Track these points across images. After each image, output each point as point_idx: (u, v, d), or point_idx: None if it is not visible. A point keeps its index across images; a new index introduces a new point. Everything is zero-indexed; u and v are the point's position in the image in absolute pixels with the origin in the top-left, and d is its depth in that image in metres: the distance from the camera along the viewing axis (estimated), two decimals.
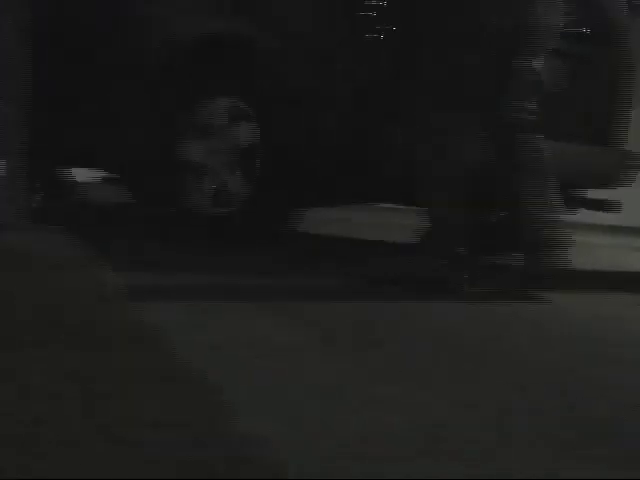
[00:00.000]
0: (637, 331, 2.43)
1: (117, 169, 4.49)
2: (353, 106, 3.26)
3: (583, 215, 4.26)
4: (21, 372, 1.14)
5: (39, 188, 3.67)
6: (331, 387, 1.40)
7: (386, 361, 1.68)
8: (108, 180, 8.28)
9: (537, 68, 2.92)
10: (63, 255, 2.27)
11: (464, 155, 2.88)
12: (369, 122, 3.20)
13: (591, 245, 5.53)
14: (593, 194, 4.06)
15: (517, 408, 1.40)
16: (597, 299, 2.91)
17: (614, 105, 3.85)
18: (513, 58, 2.84)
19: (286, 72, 3.35)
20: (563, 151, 3.43)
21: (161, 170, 3.65)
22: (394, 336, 1.97)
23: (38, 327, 1.42)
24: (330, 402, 1.30)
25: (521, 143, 2.86)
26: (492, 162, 2.90)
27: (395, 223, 5.93)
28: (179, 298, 2.13)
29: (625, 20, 3.71)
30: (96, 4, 3.82)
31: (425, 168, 2.87)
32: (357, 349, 1.78)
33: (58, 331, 1.40)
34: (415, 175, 2.99)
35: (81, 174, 5.15)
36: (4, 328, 1.26)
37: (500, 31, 2.78)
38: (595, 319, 2.50)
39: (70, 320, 1.51)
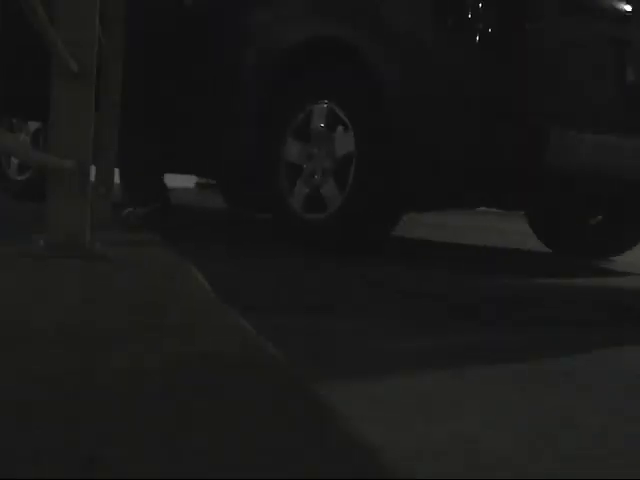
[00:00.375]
0: None
1: (212, 173, 4.58)
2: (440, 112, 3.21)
3: None
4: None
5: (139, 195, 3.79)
6: None
7: None
8: (202, 185, 8.39)
9: None
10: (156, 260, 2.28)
11: None
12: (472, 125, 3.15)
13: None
14: None
15: None
16: None
17: None
18: None
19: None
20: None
21: (259, 173, 3.71)
22: None
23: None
24: None
25: None
26: None
27: (491, 226, 5.93)
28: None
29: None
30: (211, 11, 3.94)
31: None
32: None
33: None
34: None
35: (175, 179, 5.26)
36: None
37: None
38: None
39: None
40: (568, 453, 1.15)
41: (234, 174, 4.09)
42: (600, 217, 4.07)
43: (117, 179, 3.66)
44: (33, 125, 4.72)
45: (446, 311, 2.30)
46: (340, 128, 3.45)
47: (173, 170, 4.45)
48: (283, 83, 3.61)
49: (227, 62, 3.82)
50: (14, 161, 4.77)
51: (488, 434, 1.18)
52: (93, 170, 2.38)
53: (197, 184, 8.29)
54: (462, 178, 3.25)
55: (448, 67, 3.20)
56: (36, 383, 0.88)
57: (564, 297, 2.80)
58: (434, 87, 3.23)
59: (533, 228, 4.29)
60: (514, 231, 5.31)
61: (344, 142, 3.43)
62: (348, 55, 3.40)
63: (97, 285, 1.71)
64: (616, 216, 4.05)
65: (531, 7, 3.16)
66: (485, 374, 1.56)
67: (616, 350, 1.96)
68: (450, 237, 4.91)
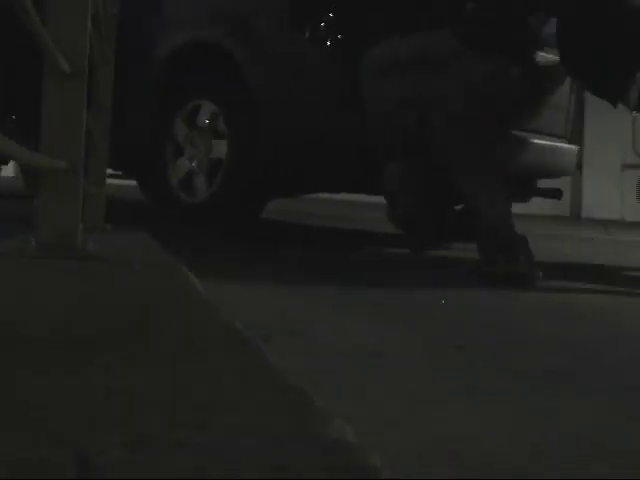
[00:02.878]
0: None
1: (125, 167, 5.10)
2: (307, 107, 3.71)
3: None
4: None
5: None
6: None
7: None
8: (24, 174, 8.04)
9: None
10: None
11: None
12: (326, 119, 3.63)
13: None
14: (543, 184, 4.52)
15: None
16: None
17: (571, 103, 4.43)
18: None
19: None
20: (528, 144, 3.97)
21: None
22: None
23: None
24: None
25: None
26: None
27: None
28: None
29: None
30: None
31: None
32: None
33: None
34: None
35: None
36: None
37: None
38: None
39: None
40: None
41: (142, 167, 4.67)
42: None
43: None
44: None
45: None
46: (220, 128, 3.99)
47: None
48: (177, 79, 4.15)
49: (134, 61, 4.22)
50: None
51: None
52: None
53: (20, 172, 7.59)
54: (320, 168, 3.79)
55: (304, 72, 3.75)
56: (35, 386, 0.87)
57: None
58: (294, 90, 3.75)
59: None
60: None
61: (219, 145, 3.97)
62: (225, 59, 3.86)
63: (89, 285, 1.70)
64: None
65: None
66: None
67: None
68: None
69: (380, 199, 3.75)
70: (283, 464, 0.67)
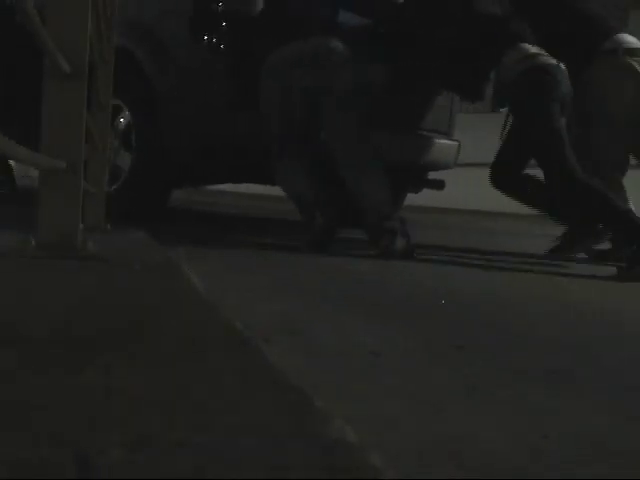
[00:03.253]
0: None
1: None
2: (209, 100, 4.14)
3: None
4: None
5: None
6: None
7: None
8: None
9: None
10: None
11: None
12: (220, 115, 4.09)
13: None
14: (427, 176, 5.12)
15: None
16: None
17: (453, 102, 4.95)
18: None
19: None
20: (414, 141, 4.59)
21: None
22: None
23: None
24: None
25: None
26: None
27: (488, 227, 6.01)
28: None
29: None
30: None
31: None
32: None
33: None
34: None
35: None
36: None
37: None
38: None
39: None
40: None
41: None
42: None
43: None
44: None
45: None
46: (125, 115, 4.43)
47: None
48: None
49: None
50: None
51: None
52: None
53: None
54: (219, 161, 4.22)
55: (203, 79, 4.20)
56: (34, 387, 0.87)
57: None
58: (192, 95, 4.23)
59: None
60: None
61: (125, 156, 4.42)
62: (136, 66, 4.28)
63: (89, 285, 1.70)
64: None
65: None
66: None
67: None
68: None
69: None
70: (283, 464, 0.67)
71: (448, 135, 5.00)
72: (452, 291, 2.74)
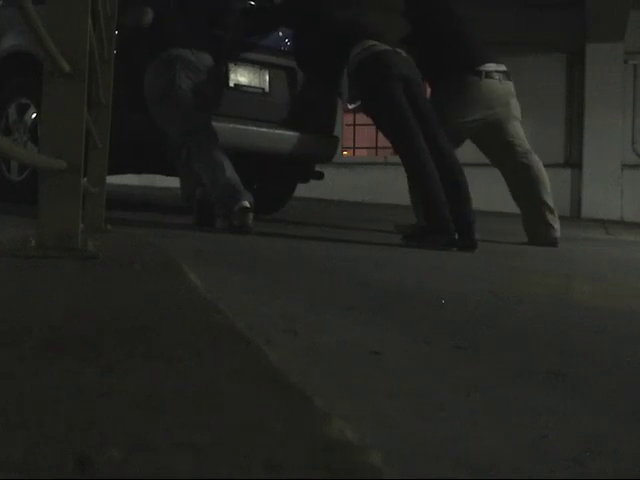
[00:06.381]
0: None
1: None
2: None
3: None
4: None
5: None
6: None
7: None
8: None
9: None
10: None
11: None
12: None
13: None
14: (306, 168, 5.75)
15: None
16: None
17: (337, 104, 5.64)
18: None
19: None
20: (299, 138, 5.23)
21: None
22: None
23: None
24: None
25: None
26: None
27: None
28: None
29: None
30: None
31: None
32: None
33: None
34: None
35: None
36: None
37: None
38: None
39: None
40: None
41: None
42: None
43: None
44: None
45: None
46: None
47: None
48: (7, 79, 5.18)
49: None
50: None
51: None
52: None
53: None
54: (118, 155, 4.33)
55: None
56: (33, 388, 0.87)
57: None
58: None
59: None
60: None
61: (32, 148, 4.75)
62: (38, 66, 4.47)
63: (89, 285, 1.70)
64: (265, 184, 5.82)
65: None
66: None
67: None
68: None
69: None
70: (283, 464, 0.67)
71: (330, 131, 5.66)
72: (453, 291, 2.74)
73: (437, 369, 1.60)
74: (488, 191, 9.30)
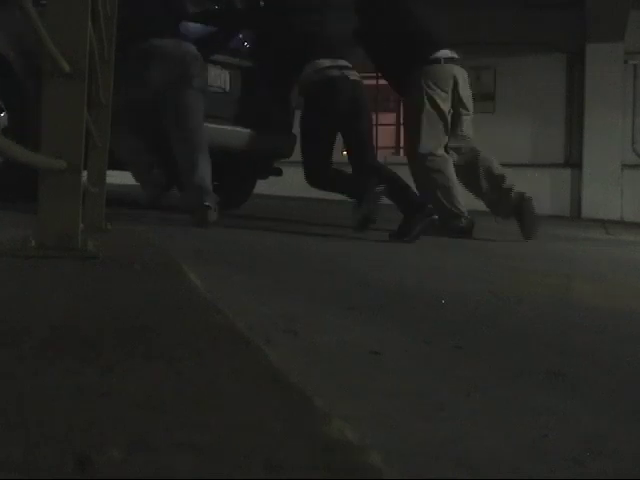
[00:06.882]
0: None
1: None
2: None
3: None
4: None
5: None
6: None
7: None
8: None
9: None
10: None
11: None
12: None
13: None
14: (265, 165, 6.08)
15: None
16: None
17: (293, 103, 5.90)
18: None
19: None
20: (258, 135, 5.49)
21: None
22: None
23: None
24: None
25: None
26: None
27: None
28: None
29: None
30: None
31: None
32: None
33: None
34: None
35: None
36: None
37: None
38: None
39: None
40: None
41: None
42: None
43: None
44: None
45: None
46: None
47: None
48: None
49: None
50: None
51: None
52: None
53: None
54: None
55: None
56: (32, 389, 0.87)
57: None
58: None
59: None
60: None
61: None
62: (8, 68, 4.80)
63: (89, 285, 1.70)
64: (226, 180, 5.96)
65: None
66: None
67: None
68: None
69: None
70: (283, 464, 0.67)
71: (289, 129, 5.95)
72: (453, 291, 2.74)
73: (437, 369, 1.60)
74: None
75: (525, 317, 2.38)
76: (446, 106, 5.30)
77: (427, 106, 5.25)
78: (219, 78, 5.50)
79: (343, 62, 4.98)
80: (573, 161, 12.00)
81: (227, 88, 5.55)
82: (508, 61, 11.76)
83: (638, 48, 11.53)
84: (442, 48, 5.35)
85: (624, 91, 11.68)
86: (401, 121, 12.02)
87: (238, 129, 5.47)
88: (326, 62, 4.93)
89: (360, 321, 2.03)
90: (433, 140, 5.25)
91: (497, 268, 3.71)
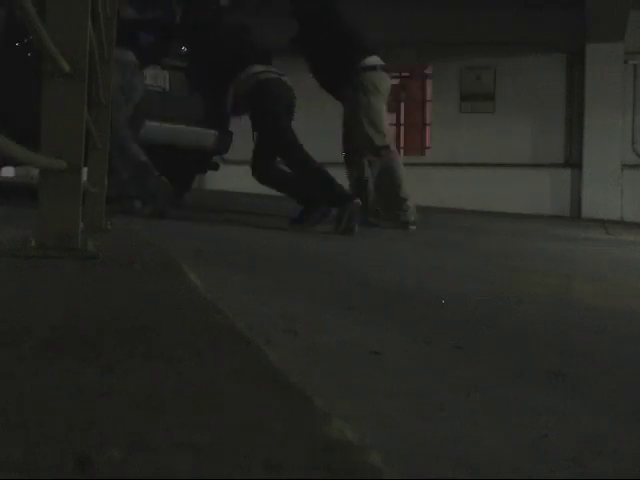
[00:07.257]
0: None
1: None
2: None
3: None
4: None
5: None
6: None
7: None
8: None
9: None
10: None
11: None
12: None
13: None
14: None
15: None
16: None
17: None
18: None
19: None
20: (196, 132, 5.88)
21: None
22: None
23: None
24: None
25: None
26: None
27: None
28: None
29: None
30: None
31: None
32: None
33: None
34: None
35: None
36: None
37: None
38: None
39: None
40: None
41: None
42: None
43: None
44: None
45: None
46: None
47: None
48: None
49: None
50: None
51: None
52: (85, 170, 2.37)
53: None
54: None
55: (20, 77, 4.97)
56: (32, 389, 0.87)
57: None
58: (15, 97, 5.05)
59: None
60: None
61: None
62: None
63: (89, 285, 1.70)
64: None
65: None
66: None
67: None
68: None
69: None
70: (283, 464, 0.67)
71: (225, 127, 6.24)
72: (453, 291, 2.74)
73: (437, 369, 1.60)
74: (488, 191, 9.34)
75: (525, 317, 2.38)
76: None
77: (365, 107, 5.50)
78: (159, 78, 5.81)
79: (274, 69, 5.35)
80: (573, 161, 12.00)
81: (167, 87, 5.87)
82: (508, 61, 11.76)
83: (638, 48, 11.53)
84: (373, 54, 5.62)
85: (624, 91, 11.68)
86: (401, 121, 12.04)
87: (178, 127, 5.79)
88: (260, 67, 5.27)
89: (360, 321, 2.03)
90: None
91: (497, 268, 3.71)
